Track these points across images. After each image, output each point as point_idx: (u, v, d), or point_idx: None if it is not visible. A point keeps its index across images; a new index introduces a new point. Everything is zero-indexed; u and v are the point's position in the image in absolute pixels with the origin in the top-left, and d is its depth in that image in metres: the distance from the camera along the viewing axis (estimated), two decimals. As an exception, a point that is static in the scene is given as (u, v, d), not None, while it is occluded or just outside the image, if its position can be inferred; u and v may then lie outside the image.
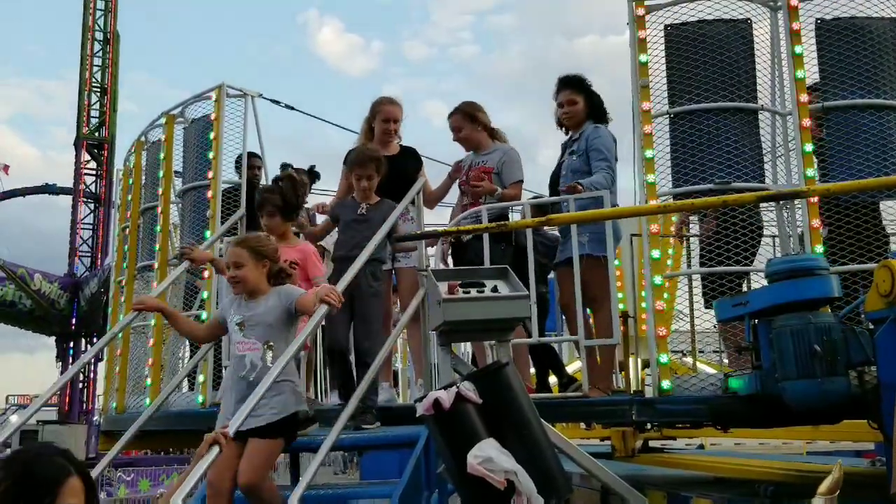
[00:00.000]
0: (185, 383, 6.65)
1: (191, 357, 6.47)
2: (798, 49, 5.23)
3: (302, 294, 4.06)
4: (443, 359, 4.11)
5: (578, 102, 5.90)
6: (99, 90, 32.90)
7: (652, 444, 7.60)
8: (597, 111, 5.90)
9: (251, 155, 7.27)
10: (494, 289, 4.03)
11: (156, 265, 7.07)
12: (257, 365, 3.94)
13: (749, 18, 5.33)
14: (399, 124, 5.99)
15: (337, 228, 5.49)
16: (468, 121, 5.97)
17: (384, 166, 5.33)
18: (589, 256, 5.29)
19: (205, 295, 6.43)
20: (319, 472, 4.09)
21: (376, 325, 5.03)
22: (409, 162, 6.08)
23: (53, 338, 31.08)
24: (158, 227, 7.16)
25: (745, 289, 4.97)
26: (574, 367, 7.94)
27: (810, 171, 5.02)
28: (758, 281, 5.25)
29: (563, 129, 6.05)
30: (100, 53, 33.11)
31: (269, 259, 4.10)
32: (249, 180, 7.12)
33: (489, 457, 3.33)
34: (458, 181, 6.01)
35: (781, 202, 5.16)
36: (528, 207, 6.02)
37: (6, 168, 33.17)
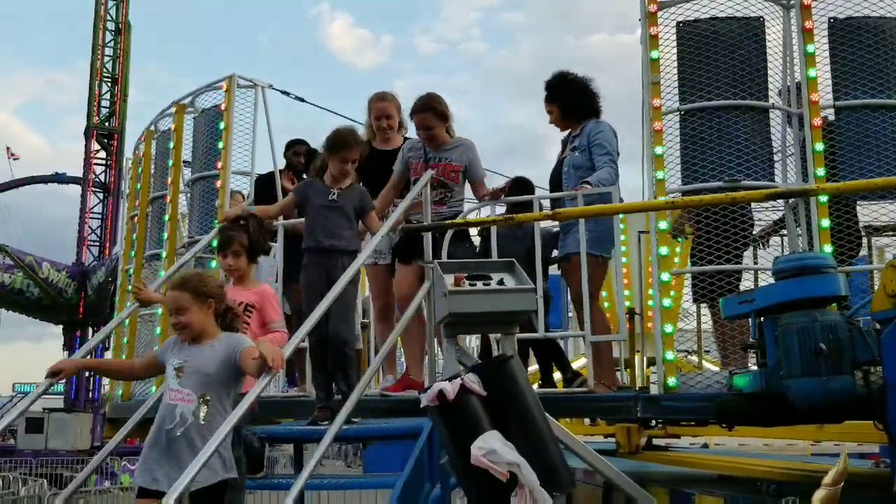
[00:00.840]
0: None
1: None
2: (810, 48, 5.21)
3: (249, 346, 3.62)
4: (448, 351, 4.11)
5: (553, 112, 5.99)
6: (110, 80, 32.98)
7: (656, 442, 7.58)
8: (583, 108, 5.89)
9: (297, 142, 7.38)
10: (501, 281, 4.03)
11: (163, 254, 7.10)
12: (187, 419, 3.53)
13: (762, 16, 5.31)
14: (394, 119, 5.85)
15: (304, 210, 5.21)
16: (438, 119, 5.63)
17: (360, 150, 5.15)
18: (588, 255, 5.30)
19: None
20: (328, 465, 4.08)
21: (352, 313, 4.98)
22: None
23: (61, 326, 31.21)
24: (167, 217, 7.19)
25: (740, 288, 4.96)
26: (580, 363, 7.94)
27: (820, 171, 5.01)
28: (748, 280, 5.27)
29: None
30: (111, 43, 33.18)
31: (214, 299, 3.73)
32: (293, 166, 7.26)
33: (493, 449, 3.33)
34: (415, 177, 5.59)
35: (791, 202, 5.15)
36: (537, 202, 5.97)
37: (15, 156, 33.30)
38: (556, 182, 5.93)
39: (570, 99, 5.91)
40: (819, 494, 2.36)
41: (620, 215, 6.39)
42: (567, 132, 6.04)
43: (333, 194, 4.99)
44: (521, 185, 6.20)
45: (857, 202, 5.19)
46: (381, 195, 5.72)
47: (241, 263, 4.54)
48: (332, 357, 4.77)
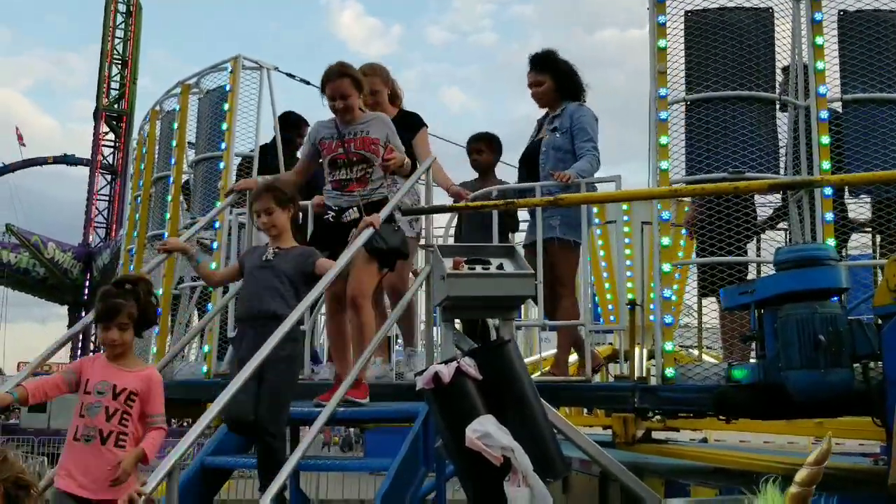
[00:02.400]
0: (193, 353, 6.67)
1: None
2: (819, 40, 5.17)
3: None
4: (445, 334, 4.10)
5: (544, 83, 5.89)
6: (120, 62, 33.06)
7: (655, 435, 7.57)
8: (570, 88, 5.86)
9: (302, 120, 7.16)
10: (500, 266, 4.01)
11: (166, 234, 7.09)
12: None
13: (771, 7, 5.26)
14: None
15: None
16: (355, 87, 4.92)
17: (292, 196, 4.54)
18: (559, 240, 5.28)
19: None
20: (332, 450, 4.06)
21: (285, 396, 4.09)
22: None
23: (66, 307, 31.37)
24: (170, 197, 7.18)
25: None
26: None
27: (826, 164, 4.98)
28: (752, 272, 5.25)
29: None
30: (122, 26, 33.24)
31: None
32: (290, 141, 7.05)
33: (487, 432, 3.32)
34: (332, 155, 4.94)
35: (794, 194, 5.12)
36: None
37: (22, 141, 33.39)
38: (529, 163, 5.90)
39: (562, 75, 5.88)
40: (802, 473, 2.34)
41: (624, 205, 6.38)
42: (544, 112, 6.00)
43: (268, 254, 4.39)
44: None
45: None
46: (282, 180, 5.23)
47: (128, 338, 3.68)
48: (258, 450, 4.09)
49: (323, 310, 5.88)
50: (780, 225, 5.40)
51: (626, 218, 7.07)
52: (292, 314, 3.87)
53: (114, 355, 3.68)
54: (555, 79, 5.85)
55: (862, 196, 5.25)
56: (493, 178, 6.23)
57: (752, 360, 4.61)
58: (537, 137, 5.97)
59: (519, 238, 6.48)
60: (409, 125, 5.64)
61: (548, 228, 5.34)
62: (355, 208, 4.73)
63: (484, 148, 6.24)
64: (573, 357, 6.59)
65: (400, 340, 5.94)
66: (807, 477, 2.34)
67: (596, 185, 5.69)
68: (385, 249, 4.54)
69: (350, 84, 4.91)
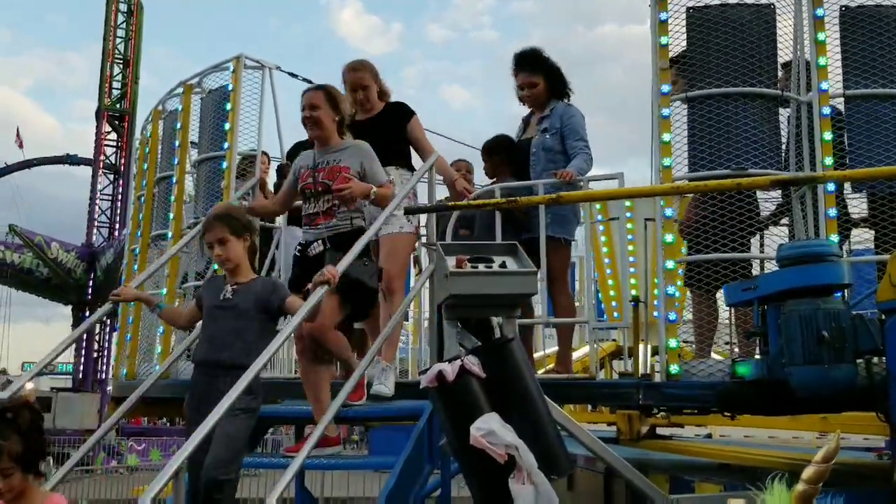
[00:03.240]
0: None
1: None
2: (821, 36, 5.17)
3: None
4: (448, 333, 4.10)
5: (539, 84, 5.86)
6: (121, 61, 33.07)
7: (660, 431, 7.59)
8: (560, 87, 5.85)
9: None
10: (503, 264, 4.01)
11: (170, 234, 7.11)
12: None
13: (772, 3, 5.26)
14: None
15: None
16: (329, 105, 4.62)
17: (246, 223, 4.11)
18: (550, 238, 5.28)
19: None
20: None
21: (236, 453, 3.68)
22: (383, 130, 5.26)
23: (70, 307, 31.41)
24: (173, 197, 7.20)
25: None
26: (582, 351, 7.94)
27: (828, 160, 4.97)
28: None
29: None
30: (123, 24, 33.24)
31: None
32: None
33: (492, 430, 3.32)
34: (302, 185, 4.68)
35: (797, 191, 5.12)
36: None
37: (20, 142, 33.43)
38: (517, 163, 5.89)
39: (554, 74, 5.87)
40: (809, 471, 2.35)
41: (626, 202, 6.38)
42: (529, 112, 6.00)
43: (226, 292, 3.99)
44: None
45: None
46: (260, 205, 5.40)
47: (14, 483, 2.88)
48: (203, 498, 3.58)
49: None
50: (783, 221, 5.40)
51: (629, 215, 7.05)
52: (250, 369, 3.45)
53: (11, 500, 2.91)
54: (547, 78, 5.84)
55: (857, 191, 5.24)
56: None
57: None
58: (523, 136, 5.96)
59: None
60: (400, 114, 5.45)
61: (538, 226, 5.34)
62: (319, 242, 4.50)
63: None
64: (577, 353, 6.61)
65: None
66: (814, 475, 2.35)
67: (590, 183, 5.73)
68: (348, 281, 4.16)
69: (323, 97, 4.61)
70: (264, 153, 6.85)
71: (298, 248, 4.64)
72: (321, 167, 4.59)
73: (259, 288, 3.97)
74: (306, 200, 4.64)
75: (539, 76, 5.84)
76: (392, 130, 5.34)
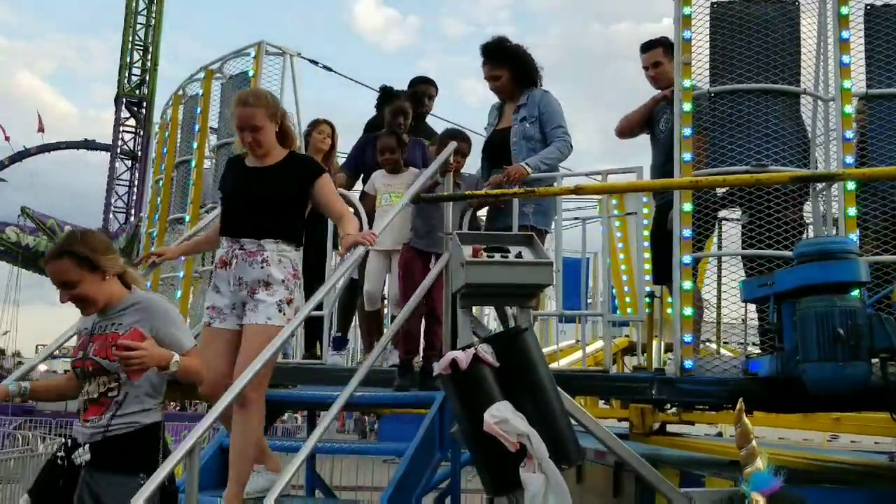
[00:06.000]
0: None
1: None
2: (845, 34, 5.13)
3: None
4: (462, 321, 4.11)
5: (502, 76, 5.82)
6: (141, 48, 33.17)
7: (670, 428, 7.58)
8: (528, 75, 5.80)
9: (423, 80, 6.80)
10: (519, 255, 4.02)
11: (187, 217, 7.15)
12: None
13: (797, 0, 5.22)
14: (258, 133, 3.95)
15: None
16: (84, 263, 3.37)
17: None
18: (532, 228, 5.26)
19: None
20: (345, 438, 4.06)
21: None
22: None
23: (82, 290, 31.62)
24: (192, 181, 7.23)
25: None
26: (596, 345, 7.93)
27: (849, 159, 4.94)
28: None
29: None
30: (144, 11, 33.34)
31: None
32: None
33: (505, 417, 3.33)
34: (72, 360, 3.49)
35: (817, 190, 5.08)
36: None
37: (41, 128, 33.61)
38: (496, 150, 5.83)
39: (520, 64, 5.82)
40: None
41: (644, 197, 6.36)
42: (502, 101, 5.97)
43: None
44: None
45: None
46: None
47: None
48: None
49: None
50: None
51: (645, 210, 7.03)
52: None
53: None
54: (512, 69, 5.79)
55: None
56: None
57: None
58: (499, 126, 5.93)
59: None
60: (304, 171, 4.09)
61: (521, 216, 5.35)
62: (87, 447, 3.25)
63: None
64: (591, 347, 6.60)
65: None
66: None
67: (558, 176, 5.67)
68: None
69: (69, 260, 3.32)
70: (326, 121, 6.41)
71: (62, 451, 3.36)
72: (96, 334, 3.39)
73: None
74: (79, 381, 3.43)
75: (503, 68, 5.80)
76: (301, 191, 4.04)
